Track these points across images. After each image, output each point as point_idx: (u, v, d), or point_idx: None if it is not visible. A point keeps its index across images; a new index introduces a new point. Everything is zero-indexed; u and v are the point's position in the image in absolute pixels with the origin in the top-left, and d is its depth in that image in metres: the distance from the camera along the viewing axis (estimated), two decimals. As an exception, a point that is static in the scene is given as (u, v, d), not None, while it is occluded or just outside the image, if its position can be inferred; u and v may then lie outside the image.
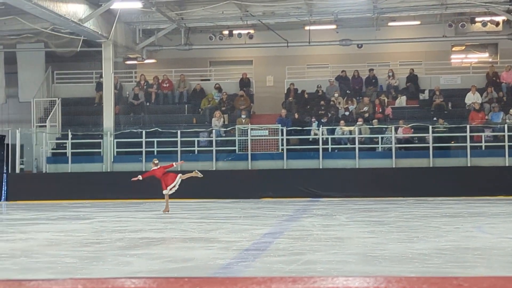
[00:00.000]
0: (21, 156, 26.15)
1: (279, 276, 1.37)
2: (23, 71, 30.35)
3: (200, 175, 18.78)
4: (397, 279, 1.21)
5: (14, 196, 24.38)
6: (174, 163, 19.08)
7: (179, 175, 18.43)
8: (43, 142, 26.57)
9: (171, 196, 18.50)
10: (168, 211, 18.14)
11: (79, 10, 22.56)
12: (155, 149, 26.00)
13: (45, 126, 27.44)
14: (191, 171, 18.92)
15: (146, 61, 29.45)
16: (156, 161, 18.90)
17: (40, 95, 29.08)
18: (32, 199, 23.75)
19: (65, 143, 26.59)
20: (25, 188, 24.77)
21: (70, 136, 26.23)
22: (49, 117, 27.63)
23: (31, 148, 26.99)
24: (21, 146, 26.29)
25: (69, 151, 26.11)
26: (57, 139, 27.68)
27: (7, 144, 26.16)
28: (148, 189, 23.65)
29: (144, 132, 25.80)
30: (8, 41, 27.77)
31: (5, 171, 25.23)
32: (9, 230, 14.13)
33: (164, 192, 18.24)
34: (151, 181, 19.31)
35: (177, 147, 25.52)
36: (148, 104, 29.04)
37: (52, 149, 27.11)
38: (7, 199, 24.54)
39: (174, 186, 18.20)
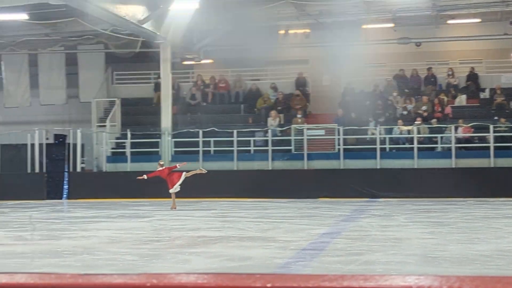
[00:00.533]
0: (82, 155, 26.65)
1: (351, 274, 1.38)
2: (83, 72, 30.91)
3: (204, 171, 19.84)
4: (470, 278, 1.21)
5: (75, 194, 24.85)
6: (178, 164, 20.19)
7: (184, 173, 19.54)
8: (103, 141, 27.03)
9: (177, 195, 19.64)
10: (175, 208, 19.26)
11: (138, 12, 22.87)
12: (212, 149, 26.19)
13: (105, 126, 27.90)
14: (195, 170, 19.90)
15: (203, 61, 29.66)
16: (162, 163, 20.69)
17: (100, 95, 29.58)
18: (92, 197, 24.18)
19: (124, 142, 26.99)
20: (85, 187, 25.24)
21: (129, 135, 26.60)
22: (108, 117, 28.08)
23: (92, 148, 27.48)
24: (82, 146, 26.79)
25: (128, 150, 26.49)
26: (117, 138, 28.12)
27: (68, 144, 26.68)
28: (205, 188, 23.92)
29: (201, 132, 25.99)
30: (69, 43, 28.33)
31: (66, 170, 25.73)
32: (71, 228, 14.44)
33: (171, 191, 19.44)
34: (200, 180, 19.50)
35: (233, 147, 25.65)
36: (204, 104, 29.26)
37: (112, 148, 27.55)
38: (68, 197, 25.04)
39: (179, 185, 19.38)
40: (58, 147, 26.84)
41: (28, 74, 31.29)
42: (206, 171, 19.91)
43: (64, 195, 25.18)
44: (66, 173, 25.60)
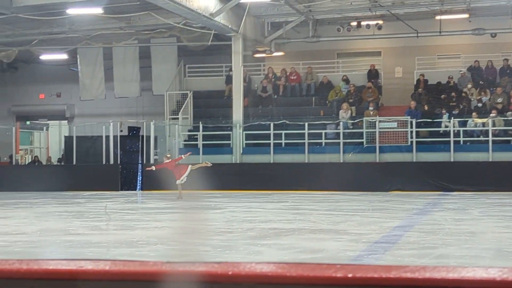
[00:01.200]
0: (155, 147, 27.08)
1: (432, 266, 1.37)
2: (156, 65, 31.38)
3: (209, 164, 20.52)
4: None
5: (148, 186, 25.25)
6: (183, 156, 20.96)
7: (190, 166, 20.29)
8: (176, 133, 27.40)
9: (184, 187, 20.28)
10: (182, 198, 20.08)
11: (210, 5, 23.06)
12: (283, 141, 26.22)
13: (178, 118, 28.26)
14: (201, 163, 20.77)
15: (274, 54, 29.68)
16: (169, 155, 21.50)
17: (172, 88, 29.97)
18: (166, 189, 24.49)
19: (196, 135, 27.28)
20: (158, 178, 25.58)
21: (201, 128, 26.88)
22: (181, 110, 28.43)
23: (164, 140, 27.89)
24: (155, 138, 27.22)
25: (200, 142, 26.76)
26: (189, 131, 28.45)
27: (142, 136, 27.14)
28: (276, 181, 24.00)
29: (272, 125, 26.05)
30: (143, 36, 28.75)
31: (140, 161, 26.20)
32: (145, 219, 14.70)
33: (178, 182, 20.18)
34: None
35: (304, 139, 25.61)
36: (276, 96, 29.29)
37: (184, 140, 27.90)
38: (142, 189, 25.49)
39: (186, 176, 20.08)
40: (132, 139, 27.33)
41: (103, 68, 31.95)
42: (211, 164, 20.58)
43: (138, 187, 25.63)
44: (139, 165, 26.05)
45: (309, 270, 1.55)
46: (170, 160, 20.82)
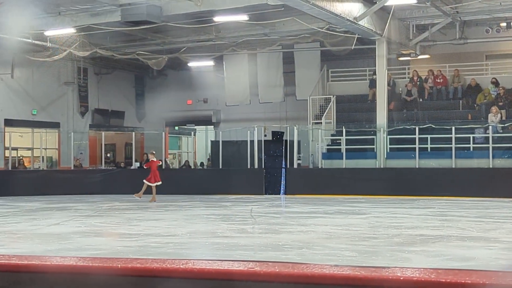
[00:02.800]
0: (298, 152, 27.25)
1: None
2: (300, 70, 31.58)
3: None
4: None
5: (292, 190, 25.44)
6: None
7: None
8: (319, 138, 27.45)
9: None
10: (156, 200, 21.44)
11: (354, 9, 22.92)
12: (428, 146, 25.62)
13: (321, 123, 28.28)
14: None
15: (420, 56, 29.08)
16: (154, 152, 22.87)
17: (315, 93, 30.03)
18: (309, 193, 24.61)
19: (340, 139, 27.19)
20: (302, 183, 25.76)
21: (344, 132, 26.76)
22: (324, 114, 28.43)
23: (308, 144, 28.01)
24: (298, 142, 27.40)
25: (343, 147, 26.66)
26: (332, 135, 28.41)
27: (286, 140, 27.38)
28: (422, 185, 23.48)
29: (417, 129, 25.52)
30: (287, 42, 29.04)
31: (283, 166, 26.43)
32: (290, 222, 14.81)
33: (152, 184, 21.65)
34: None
35: (451, 144, 24.89)
36: (421, 100, 28.67)
37: (327, 145, 27.89)
38: (285, 193, 25.69)
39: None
40: (276, 144, 27.64)
41: (247, 73, 32.54)
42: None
43: (282, 191, 25.87)
44: (283, 169, 26.29)
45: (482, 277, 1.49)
46: (156, 160, 22.28)
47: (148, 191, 21.98)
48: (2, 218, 16.86)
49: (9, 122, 29.59)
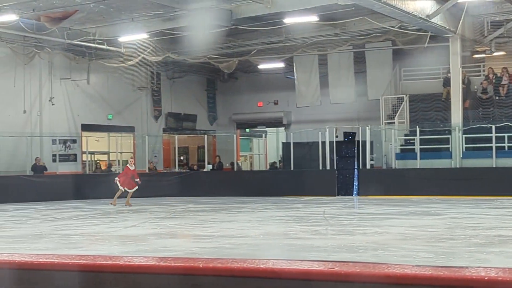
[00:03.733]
0: (371, 152, 26.97)
1: None
2: (371, 69, 31.27)
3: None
4: None
5: (365, 191, 25.21)
6: (138, 180, 21.99)
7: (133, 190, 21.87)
8: (392, 138, 27.11)
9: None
10: (115, 205, 21.43)
11: (426, 6, 22.56)
12: (506, 144, 24.99)
13: (394, 122, 27.94)
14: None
15: (495, 53, 28.42)
16: (132, 161, 22.54)
17: (388, 92, 29.69)
18: (382, 194, 24.34)
19: (413, 139, 26.80)
20: (375, 184, 25.47)
21: (418, 132, 26.37)
22: (397, 114, 28.08)
23: (380, 145, 27.71)
24: (371, 143, 27.12)
25: (417, 147, 26.26)
26: (405, 135, 28.03)
27: (358, 141, 27.16)
28: (500, 185, 22.93)
29: (493, 127, 24.93)
30: (357, 41, 28.81)
31: (356, 167, 26.23)
32: (364, 224, 14.68)
33: (122, 188, 21.60)
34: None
35: (529, 142, 24.25)
36: (497, 98, 27.99)
37: (401, 145, 27.53)
38: (358, 194, 25.50)
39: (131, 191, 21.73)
40: (348, 145, 27.45)
41: (318, 74, 32.43)
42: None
43: (355, 192, 25.67)
44: (356, 170, 26.08)
45: None
46: (133, 168, 22.09)
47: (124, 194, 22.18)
48: (80, 220, 17.28)
49: (86, 127, 30.30)
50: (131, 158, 23.19)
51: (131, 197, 22.04)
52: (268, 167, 33.58)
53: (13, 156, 26.63)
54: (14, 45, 26.77)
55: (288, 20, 24.71)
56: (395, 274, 1.68)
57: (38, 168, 27.07)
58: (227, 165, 32.06)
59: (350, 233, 12.74)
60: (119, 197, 22.00)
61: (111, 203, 21.83)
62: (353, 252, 10.01)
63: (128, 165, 22.49)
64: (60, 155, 28.89)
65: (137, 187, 21.99)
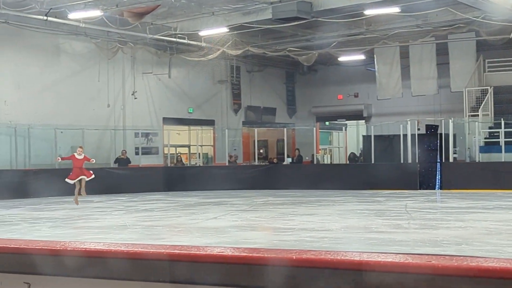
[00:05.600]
0: (454, 146, 26.43)
1: None
2: (454, 61, 30.61)
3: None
4: None
5: (448, 185, 24.73)
6: (92, 160, 19.87)
7: (92, 175, 19.30)
8: (476, 131, 26.49)
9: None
10: (78, 204, 19.09)
11: (512, -5, 21.93)
12: None
13: (477, 115, 27.30)
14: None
15: None
16: (80, 150, 19.70)
17: (471, 84, 29.01)
18: (465, 188, 23.83)
19: (498, 132, 26.13)
20: (458, 177, 24.96)
21: (503, 125, 25.69)
22: (481, 106, 27.42)
23: (464, 138, 27.12)
24: (454, 136, 26.57)
25: (502, 140, 25.60)
26: (490, 128, 27.35)
27: (440, 134, 26.67)
28: None
29: None
30: (440, 32, 28.22)
31: (438, 160, 25.76)
32: (447, 218, 14.41)
33: (70, 181, 19.09)
34: None
35: None
36: None
37: (485, 138, 26.88)
38: (441, 188, 25.04)
39: (83, 180, 18.99)
40: (430, 138, 26.99)
41: (399, 66, 31.94)
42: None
43: (437, 185, 25.22)
44: (438, 163, 25.61)
45: None
46: (83, 156, 19.43)
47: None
48: (163, 212, 17.58)
49: (167, 121, 30.77)
50: (80, 147, 21.11)
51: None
52: (347, 158, 33.30)
53: (97, 149, 27.28)
54: (98, 41, 27.42)
55: (368, 12, 24.42)
56: (495, 268, 1.63)
57: (122, 161, 27.67)
58: (307, 158, 31.99)
59: (433, 227, 12.53)
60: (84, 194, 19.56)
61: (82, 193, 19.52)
62: (437, 246, 9.83)
63: (75, 154, 19.85)
64: (142, 148, 29.44)
65: (93, 175, 19.44)
